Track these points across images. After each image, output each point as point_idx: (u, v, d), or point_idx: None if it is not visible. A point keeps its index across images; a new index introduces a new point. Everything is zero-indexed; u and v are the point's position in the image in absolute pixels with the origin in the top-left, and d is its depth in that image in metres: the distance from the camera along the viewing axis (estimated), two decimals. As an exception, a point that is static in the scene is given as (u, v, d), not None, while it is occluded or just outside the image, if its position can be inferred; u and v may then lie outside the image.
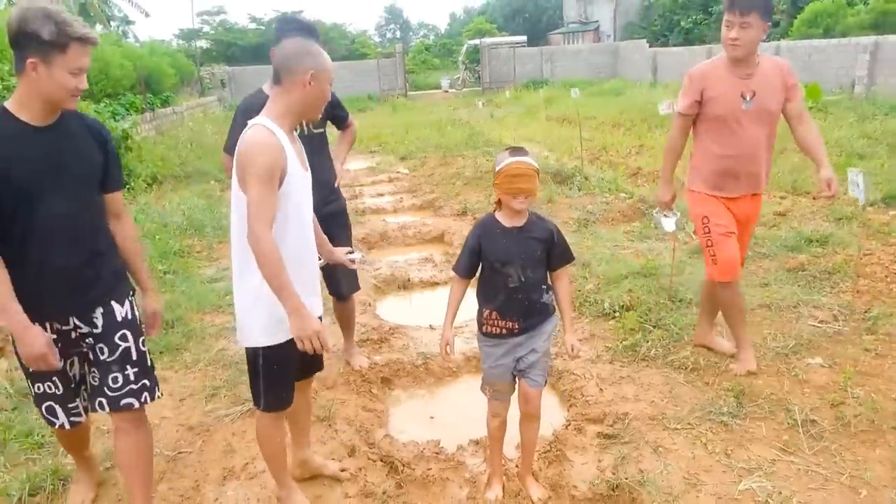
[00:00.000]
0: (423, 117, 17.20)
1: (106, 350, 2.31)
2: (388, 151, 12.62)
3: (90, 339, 2.30)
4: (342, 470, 2.82)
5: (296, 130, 2.39)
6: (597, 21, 40.90)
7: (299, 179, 2.26)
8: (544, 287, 2.53)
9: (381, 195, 9.09)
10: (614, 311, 4.29)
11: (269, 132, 2.14)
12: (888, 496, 2.51)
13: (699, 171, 3.40)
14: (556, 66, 27.37)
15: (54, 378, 2.33)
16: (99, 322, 2.30)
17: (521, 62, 27.38)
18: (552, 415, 3.36)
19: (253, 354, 2.33)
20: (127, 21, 34.34)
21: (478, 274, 2.57)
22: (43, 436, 3.15)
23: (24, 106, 2.08)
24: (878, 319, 3.90)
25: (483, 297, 2.56)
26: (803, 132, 3.29)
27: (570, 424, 3.20)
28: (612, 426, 3.11)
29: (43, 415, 2.42)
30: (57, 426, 2.44)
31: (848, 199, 5.76)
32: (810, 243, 5.35)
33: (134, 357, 2.35)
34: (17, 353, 2.24)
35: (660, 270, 4.80)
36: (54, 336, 2.23)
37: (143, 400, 2.38)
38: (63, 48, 1.99)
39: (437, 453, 3.02)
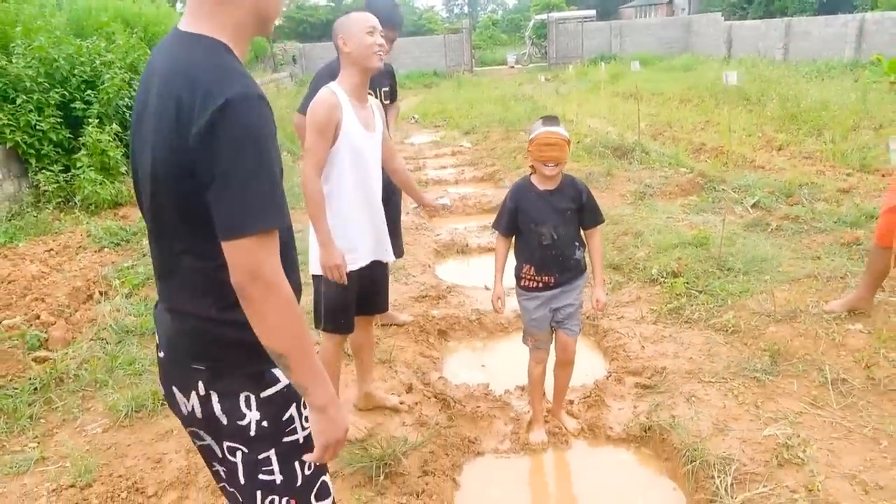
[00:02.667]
0: (488, 93, 17.30)
1: None
2: (452, 126, 12.86)
3: None
4: (401, 403, 3.16)
5: (373, 95, 2.71)
6: (671, -6, 39.64)
7: (358, 137, 2.54)
8: (577, 244, 2.77)
9: (444, 167, 9.37)
10: (662, 277, 4.46)
11: (330, 92, 2.49)
12: (909, 448, 2.65)
13: None
14: (626, 41, 26.77)
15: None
16: None
17: (589, 37, 26.89)
18: (594, 367, 3.61)
19: (316, 281, 2.71)
20: None
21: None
22: (143, 364, 3.63)
23: None
24: (927, 292, 3.92)
25: (520, 254, 2.82)
26: None
27: (610, 376, 3.44)
28: (650, 378, 3.33)
29: None
30: None
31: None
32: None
33: None
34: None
35: (711, 241, 4.91)
36: None
37: None
38: None
39: (486, 394, 3.33)
